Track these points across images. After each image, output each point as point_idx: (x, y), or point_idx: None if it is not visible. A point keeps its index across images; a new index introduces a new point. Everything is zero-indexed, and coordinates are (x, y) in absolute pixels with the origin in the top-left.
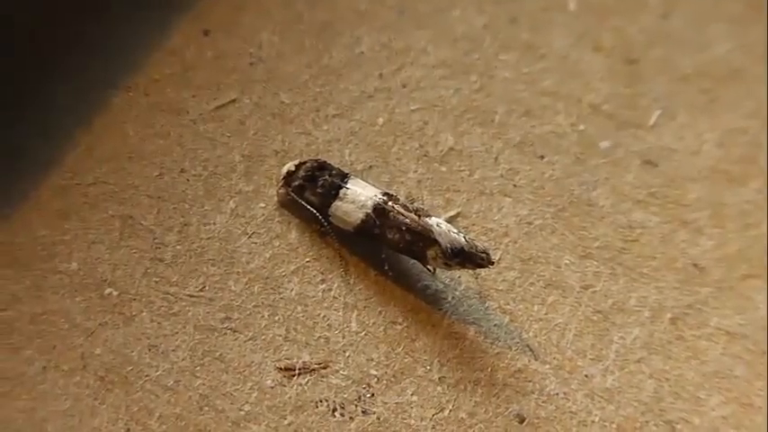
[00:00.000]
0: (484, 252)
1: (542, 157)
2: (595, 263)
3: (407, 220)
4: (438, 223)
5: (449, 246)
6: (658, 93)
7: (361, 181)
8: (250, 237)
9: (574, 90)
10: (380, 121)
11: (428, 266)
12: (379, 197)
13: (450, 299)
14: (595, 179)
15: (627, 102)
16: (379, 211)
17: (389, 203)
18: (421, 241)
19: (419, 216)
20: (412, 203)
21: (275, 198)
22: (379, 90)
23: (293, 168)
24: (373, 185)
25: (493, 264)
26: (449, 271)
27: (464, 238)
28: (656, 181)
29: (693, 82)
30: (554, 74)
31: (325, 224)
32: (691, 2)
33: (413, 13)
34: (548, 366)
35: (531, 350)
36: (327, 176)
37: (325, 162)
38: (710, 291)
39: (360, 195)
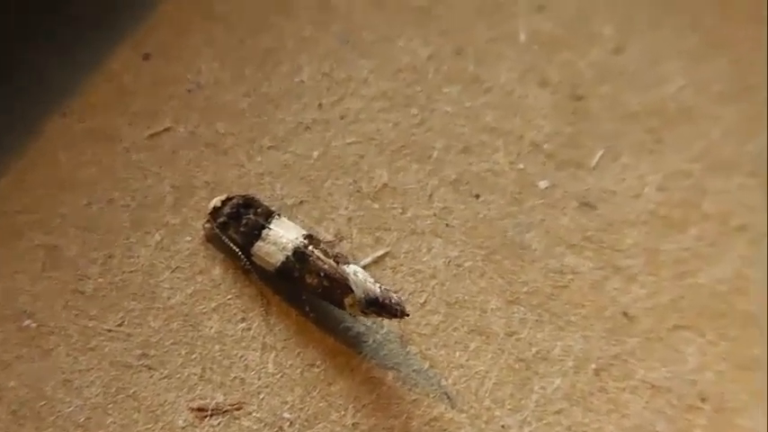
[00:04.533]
0: (398, 304)
1: (477, 197)
2: (522, 309)
3: (326, 266)
4: (355, 271)
5: (363, 296)
6: (603, 131)
7: (285, 221)
8: (173, 271)
9: (516, 126)
10: (315, 154)
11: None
12: (300, 240)
13: (370, 342)
14: (530, 221)
15: (569, 140)
16: (299, 255)
17: (309, 248)
18: (339, 288)
19: (338, 263)
20: (332, 248)
21: (202, 232)
22: (316, 121)
23: (219, 204)
24: (297, 227)
25: (407, 315)
26: (366, 318)
27: (379, 288)
28: (593, 224)
29: (641, 120)
30: (497, 109)
31: (247, 264)
32: (645, 36)
33: (357, 41)
34: (464, 415)
35: (448, 398)
36: (252, 215)
37: (252, 199)
38: (638, 341)
39: (281, 237)
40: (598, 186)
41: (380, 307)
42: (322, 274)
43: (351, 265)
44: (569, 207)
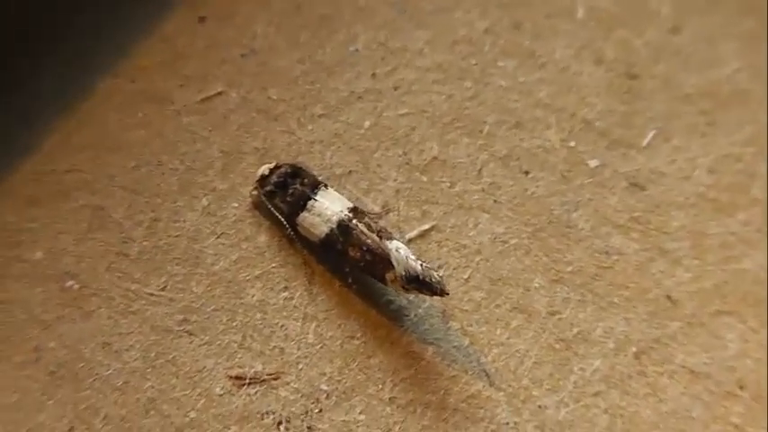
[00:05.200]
0: (438, 282)
1: (527, 173)
2: (566, 288)
3: (369, 241)
4: (397, 248)
5: (403, 273)
6: (656, 111)
7: (332, 193)
8: (218, 237)
9: (569, 103)
10: (367, 124)
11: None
12: (345, 213)
13: (412, 316)
14: (578, 199)
15: (622, 119)
16: (343, 228)
17: (353, 221)
18: (381, 263)
19: (381, 238)
20: (379, 219)
21: (249, 199)
22: (369, 91)
23: (267, 172)
24: (343, 199)
25: (447, 294)
26: (407, 294)
27: (420, 265)
28: (641, 205)
29: (694, 102)
30: (551, 85)
31: (292, 233)
32: (703, 16)
33: (414, 11)
34: (501, 394)
35: (487, 375)
36: (299, 185)
37: (300, 168)
38: (680, 325)
39: (326, 209)
40: (648, 167)
41: (421, 284)
42: (365, 248)
43: (393, 241)
44: (618, 187)
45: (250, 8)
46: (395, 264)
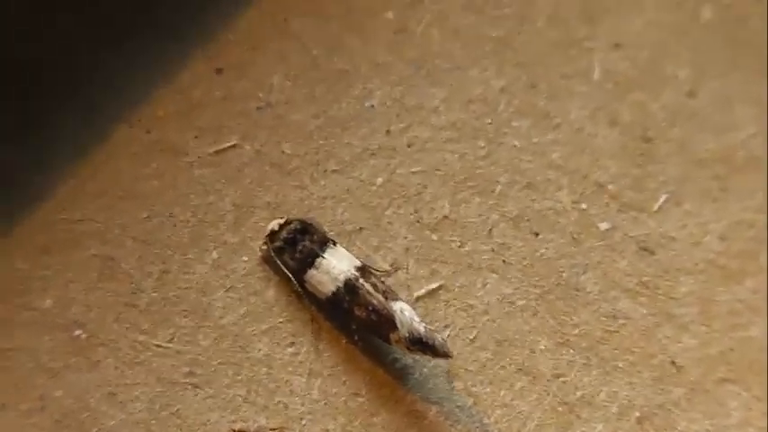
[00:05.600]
0: (441, 346)
1: (537, 234)
2: (571, 351)
3: (374, 301)
4: (402, 309)
5: (407, 335)
6: (669, 175)
7: (340, 250)
8: (227, 290)
9: (582, 165)
10: (379, 180)
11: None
12: (352, 272)
13: (417, 375)
14: (587, 262)
15: (634, 183)
16: (350, 287)
17: (360, 280)
18: (386, 323)
19: (386, 298)
20: (388, 276)
21: (259, 253)
22: (383, 148)
23: (276, 228)
24: (351, 257)
25: (450, 357)
26: (411, 354)
27: (424, 328)
28: (650, 270)
29: (708, 167)
30: (564, 146)
31: (300, 290)
32: (720, 80)
33: (431, 68)
34: None
35: None
36: (308, 242)
37: (309, 225)
38: (684, 392)
39: (334, 268)
40: (659, 231)
41: (424, 346)
42: (370, 308)
43: (399, 302)
44: (628, 251)
45: (267, 61)
46: (399, 325)
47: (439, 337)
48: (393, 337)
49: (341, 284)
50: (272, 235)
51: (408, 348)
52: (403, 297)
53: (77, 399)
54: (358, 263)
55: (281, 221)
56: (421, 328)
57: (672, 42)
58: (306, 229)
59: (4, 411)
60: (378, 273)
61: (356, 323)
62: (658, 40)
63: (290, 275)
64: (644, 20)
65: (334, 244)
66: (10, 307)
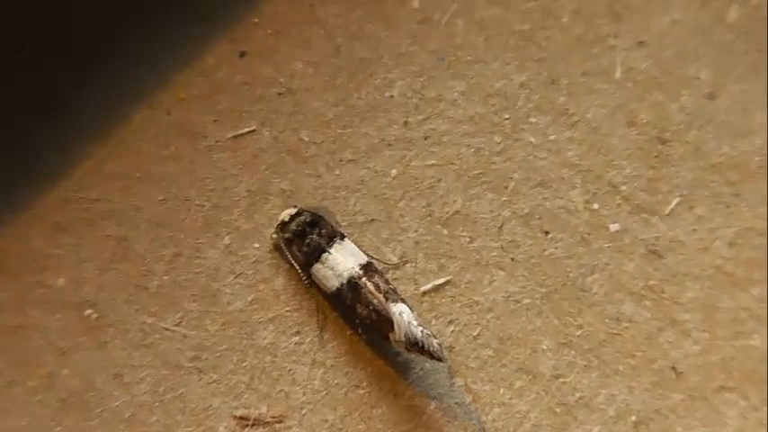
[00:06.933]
0: (437, 351)
1: (547, 233)
2: (573, 352)
3: (375, 301)
4: (401, 312)
5: (403, 338)
6: (682, 179)
7: (347, 245)
8: (237, 276)
9: (596, 165)
10: (393, 172)
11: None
12: (356, 270)
13: (418, 369)
14: (595, 263)
15: (648, 184)
16: (352, 285)
17: (363, 279)
18: (385, 323)
19: (387, 299)
20: (387, 282)
21: (270, 240)
22: (399, 139)
23: (287, 219)
24: (357, 253)
25: (445, 362)
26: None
27: (421, 332)
28: (657, 274)
29: (722, 172)
30: (580, 145)
31: (307, 281)
32: (741, 84)
33: (453, 61)
34: None
35: None
36: (316, 236)
37: (320, 218)
38: (682, 398)
39: (339, 264)
40: (668, 235)
41: (420, 349)
42: (371, 307)
43: (399, 304)
44: (636, 253)
45: (290, 46)
46: (396, 328)
47: (435, 342)
48: (392, 336)
49: (344, 282)
50: (283, 226)
51: (406, 349)
52: (409, 291)
53: (84, 378)
54: (364, 260)
55: (292, 212)
56: (418, 332)
57: (696, 42)
58: (315, 222)
59: (11, 387)
60: (385, 266)
61: (358, 320)
62: (682, 39)
63: (297, 268)
64: (669, 18)
65: (342, 238)
66: (23, 284)
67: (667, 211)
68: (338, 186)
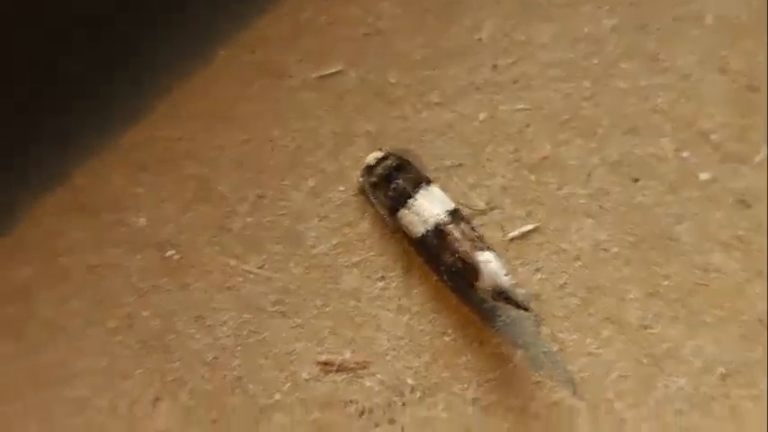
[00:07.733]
0: (522, 301)
1: (636, 181)
2: (660, 302)
3: (461, 249)
4: (487, 260)
5: (489, 288)
6: None
7: (434, 191)
8: (321, 219)
9: (686, 112)
10: (482, 116)
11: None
12: (442, 217)
13: (504, 317)
14: (684, 212)
15: (738, 133)
16: (438, 231)
17: (449, 226)
18: (471, 271)
19: (474, 247)
20: (473, 230)
21: (356, 183)
22: (488, 83)
23: (373, 162)
24: (444, 199)
25: (529, 311)
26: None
27: (507, 282)
28: (745, 224)
29: None
30: (671, 91)
31: (392, 226)
32: None
33: (543, 2)
34: (584, 404)
35: (572, 384)
36: (402, 180)
37: (406, 162)
38: None
39: (425, 210)
40: (757, 185)
41: (506, 299)
42: (457, 255)
43: (486, 252)
44: (725, 203)
45: None
46: (482, 276)
47: (521, 292)
48: (477, 285)
49: (430, 228)
50: (369, 169)
51: (492, 297)
52: (496, 238)
53: (164, 320)
54: (451, 206)
55: (379, 156)
56: (504, 281)
57: None
58: (402, 166)
59: (90, 327)
60: (472, 212)
61: (444, 267)
62: None
63: (383, 212)
64: None
65: (429, 183)
66: (102, 223)
67: (757, 160)
68: (425, 129)
